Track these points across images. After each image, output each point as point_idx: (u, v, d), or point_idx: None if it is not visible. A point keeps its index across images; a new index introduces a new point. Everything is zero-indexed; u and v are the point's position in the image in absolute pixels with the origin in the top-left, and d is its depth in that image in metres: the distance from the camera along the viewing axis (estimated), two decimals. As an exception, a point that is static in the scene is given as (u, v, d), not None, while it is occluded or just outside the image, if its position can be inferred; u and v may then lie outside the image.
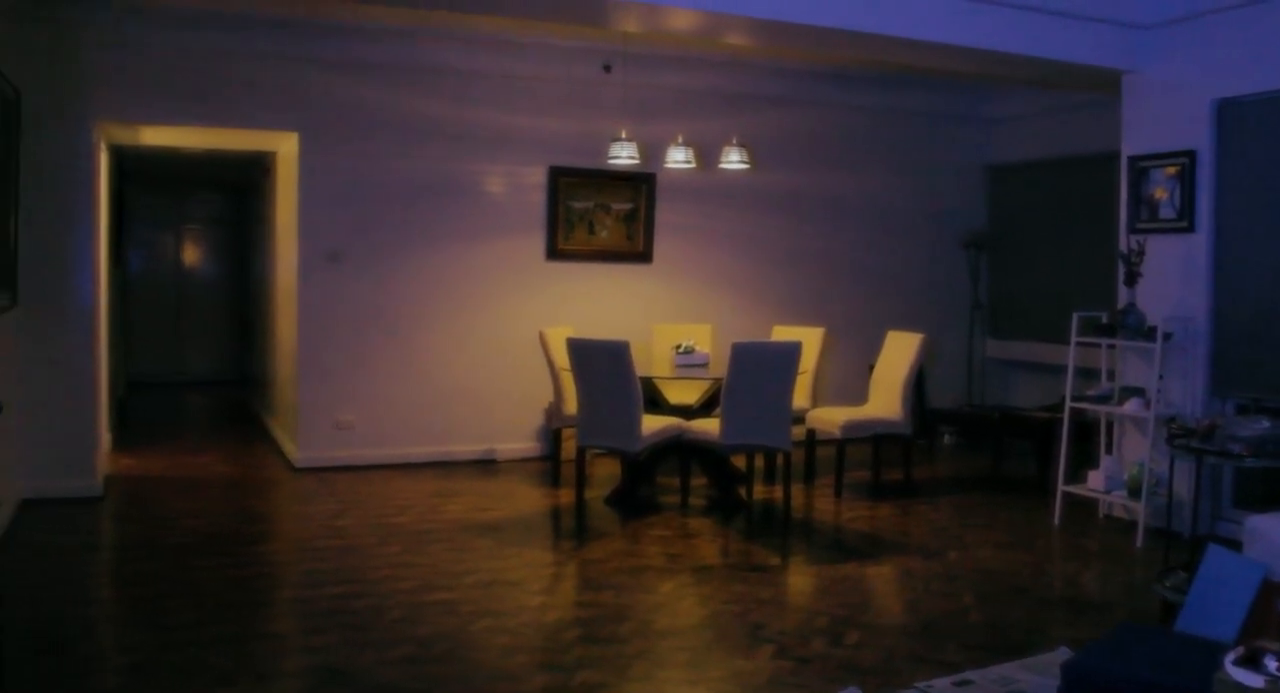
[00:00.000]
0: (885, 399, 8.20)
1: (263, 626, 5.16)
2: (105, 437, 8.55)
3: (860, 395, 8.99)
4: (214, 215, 15.26)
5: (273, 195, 10.61)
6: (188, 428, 11.54)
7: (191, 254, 15.26)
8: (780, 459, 7.43)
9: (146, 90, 8.12)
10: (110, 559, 6.46)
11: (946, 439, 10.46)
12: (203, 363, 15.07)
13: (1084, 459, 7.83)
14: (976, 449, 10.09)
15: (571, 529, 7.12)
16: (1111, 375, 7.47)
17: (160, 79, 8.13)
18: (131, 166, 12.54)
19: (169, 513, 7.25)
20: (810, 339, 8.33)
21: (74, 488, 7.48)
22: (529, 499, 7.81)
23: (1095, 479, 7.25)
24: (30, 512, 7.10)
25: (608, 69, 9.13)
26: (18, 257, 6.84)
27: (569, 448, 8.22)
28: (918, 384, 8.90)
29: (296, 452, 8.76)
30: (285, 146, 9.36)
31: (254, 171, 12.23)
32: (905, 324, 8.94)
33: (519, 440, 9.27)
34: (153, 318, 14.54)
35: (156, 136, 9.61)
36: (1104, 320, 7.26)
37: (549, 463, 8.71)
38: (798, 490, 8.00)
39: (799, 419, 7.99)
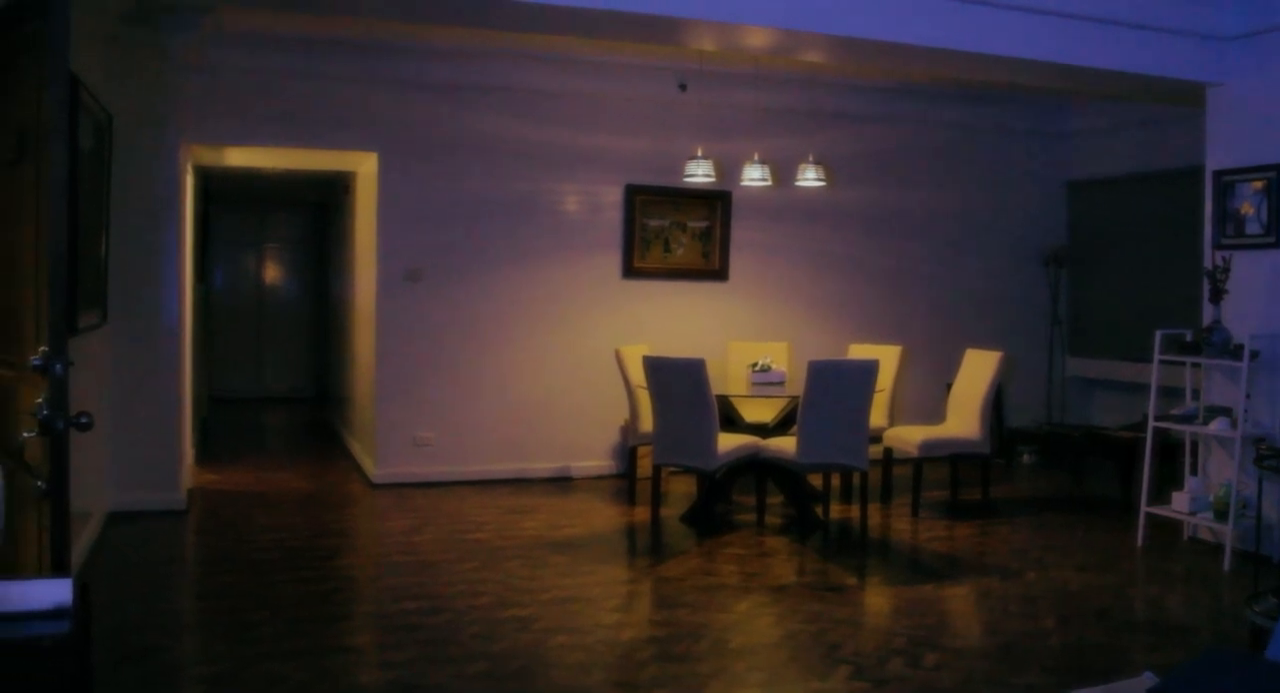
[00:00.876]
0: (963, 418, 8.11)
1: (341, 640, 5.22)
2: (189, 451, 8.70)
3: (938, 414, 8.91)
4: (294, 234, 15.50)
5: (352, 215, 10.76)
6: (268, 444, 11.72)
7: (272, 272, 15.50)
8: (857, 478, 7.39)
9: (231, 112, 8.30)
10: (193, 572, 6.58)
11: (1025, 459, 10.32)
12: (282, 379, 15.28)
13: (1168, 480, 7.68)
14: (1056, 469, 9.95)
15: (647, 547, 7.11)
16: (1196, 394, 7.33)
17: (244, 101, 8.32)
18: (216, 187, 12.80)
19: (250, 527, 7.36)
20: (887, 357, 8.27)
21: (159, 501, 7.62)
22: (604, 517, 7.83)
23: (1180, 501, 7.10)
24: (117, 524, 7.24)
25: (683, 87, 9.17)
26: (107, 275, 7.00)
27: (645, 466, 8.22)
28: (996, 403, 8.79)
29: (375, 468, 8.85)
30: (365, 166, 9.49)
31: (334, 191, 12.42)
32: (983, 342, 8.84)
33: (594, 458, 9.29)
34: (234, 335, 14.78)
35: (240, 157, 9.81)
36: (1188, 338, 7.13)
37: (624, 481, 8.72)
38: (874, 510, 7.93)
39: (876, 438, 7.93)
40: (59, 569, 3.20)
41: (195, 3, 7.12)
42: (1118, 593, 6.11)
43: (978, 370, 8.13)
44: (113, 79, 7.21)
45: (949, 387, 8.56)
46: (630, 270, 9.34)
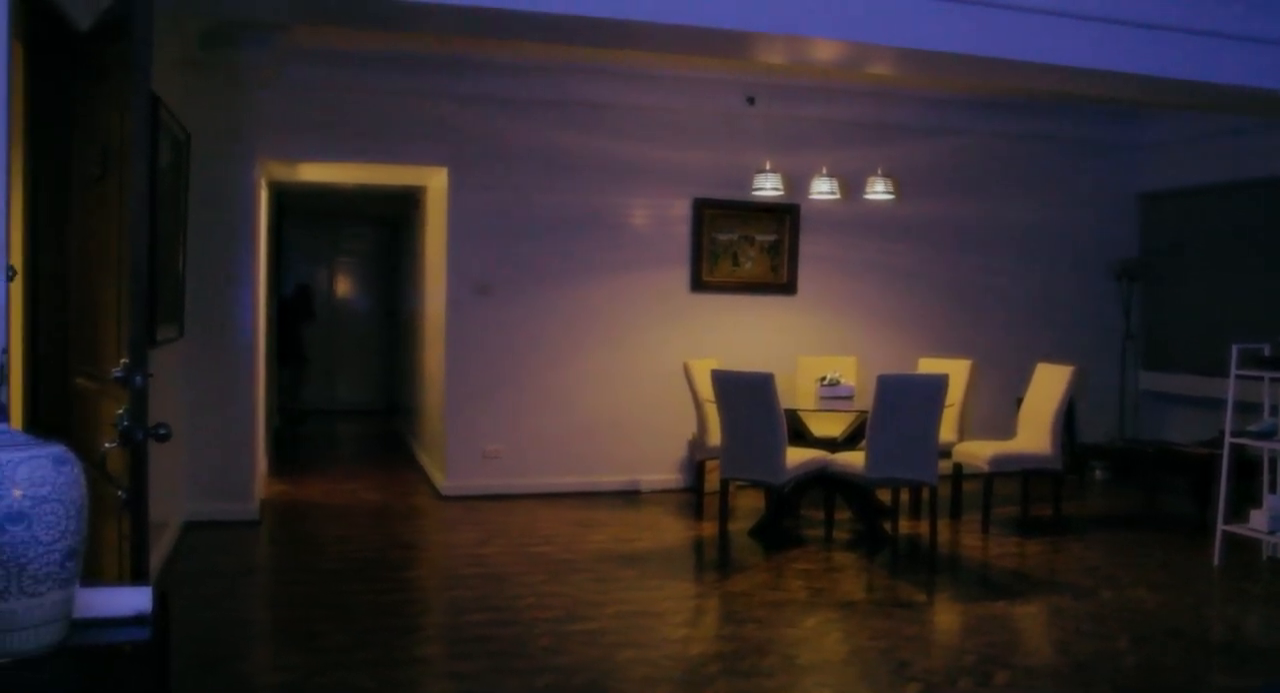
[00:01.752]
0: (1034, 433, 8.02)
1: (410, 650, 5.26)
2: (262, 463, 8.82)
3: (1008, 429, 8.81)
4: (366, 248, 15.69)
5: (422, 229, 10.87)
6: (339, 455, 11.85)
7: (344, 286, 15.70)
8: (926, 493, 7.32)
9: (304, 129, 8.44)
10: (266, 581, 6.67)
11: (1098, 475, 10.17)
12: (353, 392, 15.45)
13: (1246, 498, 7.51)
14: (1129, 485, 9.79)
15: (714, 561, 7.10)
16: (1275, 410, 7.18)
17: (317, 118, 8.45)
18: (289, 202, 12.98)
19: (321, 538, 7.45)
20: (957, 371, 8.20)
21: (233, 512, 7.73)
22: (672, 531, 7.83)
23: (1258, 519, 6.95)
24: (192, 534, 7.36)
25: (751, 101, 9.17)
26: (185, 289, 7.13)
27: (712, 480, 8.21)
28: (1068, 418, 8.67)
29: (444, 480, 8.92)
30: (435, 181, 9.59)
31: (404, 205, 12.55)
32: (1054, 356, 8.74)
33: (662, 472, 9.29)
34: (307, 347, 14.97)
35: (312, 173, 9.95)
36: (1266, 353, 6.99)
37: (692, 495, 8.72)
38: (944, 526, 7.85)
39: (945, 453, 7.86)
40: (138, 577, 3.27)
41: (269, 22, 7.25)
42: (1193, 613, 6.00)
43: (1049, 385, 8.03)
44: (190, 97, 7.35)
45: (1019, 401, 8.47)
46: (698, 284, 9.34)
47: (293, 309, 13.53)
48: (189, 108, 7.22)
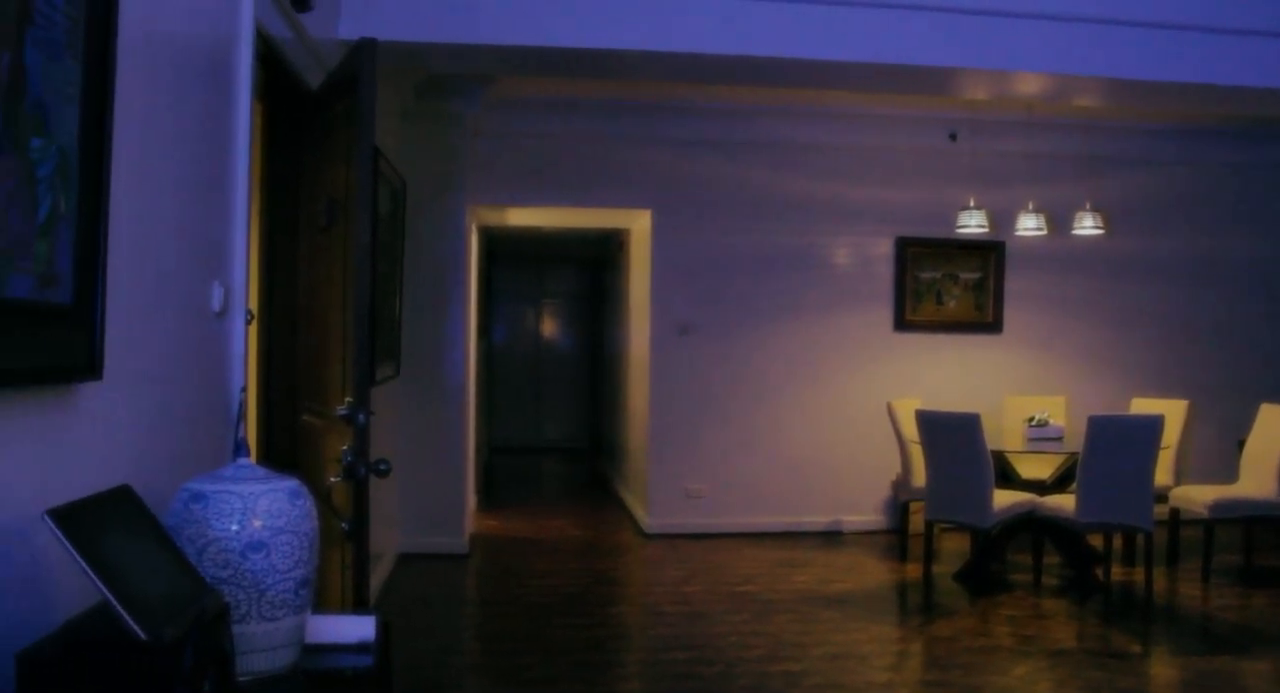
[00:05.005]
0: (1259, 477, 7.63)
1: (614, 686, 5.33)
2: (472, 498, 9.09)
3: (1229, 473, 8.39)
4: (570, 289, 16.01)
5: (626, 270, 11.06)
6: (544, 492, 12.09)
7: (549, 327, 16.04)
8: (1141, 539, 7.05)
9: (512, 175, 8.74)
10: (475, 613, 6.86)
11: (1333, 522, 9.60)
12: (558, 429, 15.74)
13: None
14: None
15: (919, 605, 6.99)
16: None
17: (524, 164, 8.74)
18: (497, 246, 13.38)
19: (528, 572, 7.62)
20: (1173, 412, 7.87)
21: (444, 545, 7.98)
22: (875, 573, 7.73)
23: None
24: (406, 565, 7.63)
25: (954, 137, 9.06)
26: (401, 331, 7.44)
27: (916, 522, 8.08)
28: (1298, 462, 8.22)
29: (647, 518, 9.02)
30: (638, 223, 9.76)
31: (608, 247, 12.79)
32: (1278, 396, 8.30)
33: (865, 513, 9.19)
34: (513, 386, 15.36)
35: (520, 217, 10.26)
36: None
37: (896, 536, 8.59)
38: (1160, 574, 7.52)
39: (1161, 497, 7.56)
40: (360, 605, 3.42)
41: (478, 74, 7.55)
42: None
43: (1275, 427, 7.64)
44: (406, 146, 7.70)
45: (1241, 444, 8.08)
46: (901, 323, 9.24)
47: None
48: (404, 156, 7.56)
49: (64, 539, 1.69)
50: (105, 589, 1.68)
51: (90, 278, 2.14)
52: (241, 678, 2.05)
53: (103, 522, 1.85)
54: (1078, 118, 8.97)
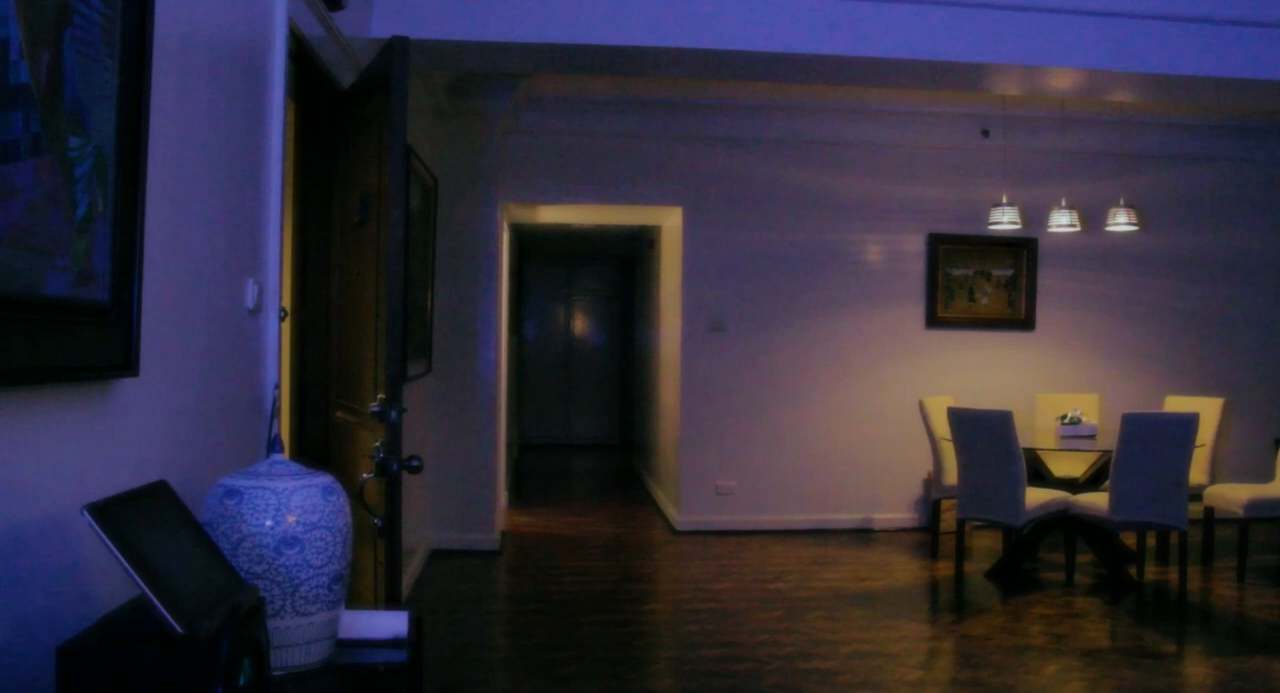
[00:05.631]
0: (1297, 476, 7.58)
1: (644, 683, 5.33)
2: (503, 495, 9.12)
3: (1265, 472, 8.33)
4: (601, 287, 16.03)
5: (657, 267, 11.06)
6: (575, 488, 12.11)
7: (580, 324, 16.07)
8: (1175, 538, 7.00)
9: (543, 172, 8.77)
10: (506, 609, 6.88)
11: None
12: (588, 426, 15.77)
13: None
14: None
15: (950, 603, 6.96)
16: None
17: (555, 161, 8.77)
18: (528, 243, 13.41)
19: (558, 569, 7.64)
20: (1208, 410, 7.82)
21: (475, 541, 8.02)
22: (906, 570, 7.71)
23: None
24: (437, 562, 7.66)
25: (986, 134, 9.02)
26: (432, 327, 7.47)
27: (948, 519, 8.06)
28: (1335, 460, 8.15)
29: (677, 515, 9.03)
30: (669, 220, 9.76)
31: (639, 245, 12.80)
32: (1319, 395, 8.24)
33: (896, 510, 9.16)
34: (544, 383, 15.40)
35: (551, 215, 10.27)
36: None
37: (927, 534, 8.56)
38: (1194, 573, 7.46)
39: (1195, 496, 7.50)
40: (392, 601, 3.44)
41: (510, 72, 7.56)
42: None
43: (1313, 425, 7.58)
44: (437, 144, 7.74)
45: (1278, 442, 8.01)
46: (933, 320, 9.21)
47: None
48: (436, 154, 7.59)
49: (102, 534, 1.71)
50: (143, 584, 1.69)
51: (127, 275, 2.16)
52: (276, 672, 2.07)
53: (140, 517, 1.87)
54: (1111, 114, 8.91)
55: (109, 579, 2.01)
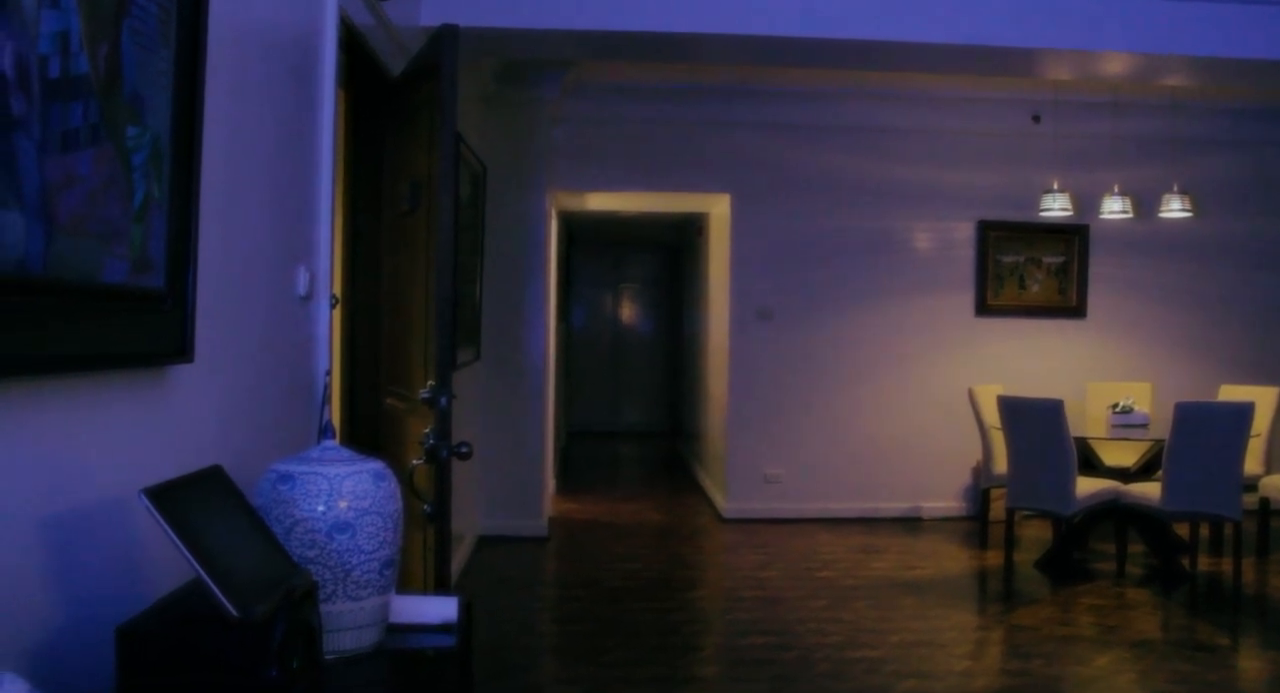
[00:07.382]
0: (1354, 466, 7.46)
1: (691, 670, 5.35)
2: (551, 482, 9.16)
3: (1324, 462, 8.22)
4: (649, 274, 16.04)
5: (704, 254, 11.05)
6: (622, 476, 12.14)
7: (628, 311, 16.09)
8: (1229, 529, 6.92)
9: (591, 160, 8.78)
10: (554, 596, 6.91)
11: None
12: (636, 414, 15.79)
13: None
14: None
15: (999, 593, 6.93)
16: None
17: (603, 149, 8.77)
18: (576, 231, 13.43)
19: (606, 556, 7.66)
20: (1263, 399, 7.71)
21: (523, 528, 8.06)
22: (955, 559, 7.67)
23: None
24: (486, 548, 7.71)
25: (1037, 119, 8.93)
26: (481, 315, 7.51)
27: (997, 509, 8.00)
28: (1394, 451, 8.03)
29: (725, 502, 9.03)
30: (717, 208, 9.74)
31: (686, 232, 12.79)
32: (1378, 384, 8.10)
33: (945, 499, 9.12)
34: (591, 370, 15.44)
35: (599, 202, 10.29)
36: None
37: (976, 523, 8.51)
38: (1248, 564, 7.36)
39: (1250, 487, 7.40)
40: (441, 586, 3.47)
41: (558, 59, 7.58)
42: None
43: (1371, 415, 7.47)
44: (486, 131, 7.76)
45: (1336, 432, 7.90)
46: (983, 308, 9.14)
47: None
48: (485, 141, 7.62)
49: (159, 518, 1.74)
50: (199, 567, 1.72)
51: (182, 263, 2.19)
52: (327, 656, 2.09)
53: (195, 501, 1.90)
54: (1164, 98, 8.78)
55: (165, 562, 2.04)
